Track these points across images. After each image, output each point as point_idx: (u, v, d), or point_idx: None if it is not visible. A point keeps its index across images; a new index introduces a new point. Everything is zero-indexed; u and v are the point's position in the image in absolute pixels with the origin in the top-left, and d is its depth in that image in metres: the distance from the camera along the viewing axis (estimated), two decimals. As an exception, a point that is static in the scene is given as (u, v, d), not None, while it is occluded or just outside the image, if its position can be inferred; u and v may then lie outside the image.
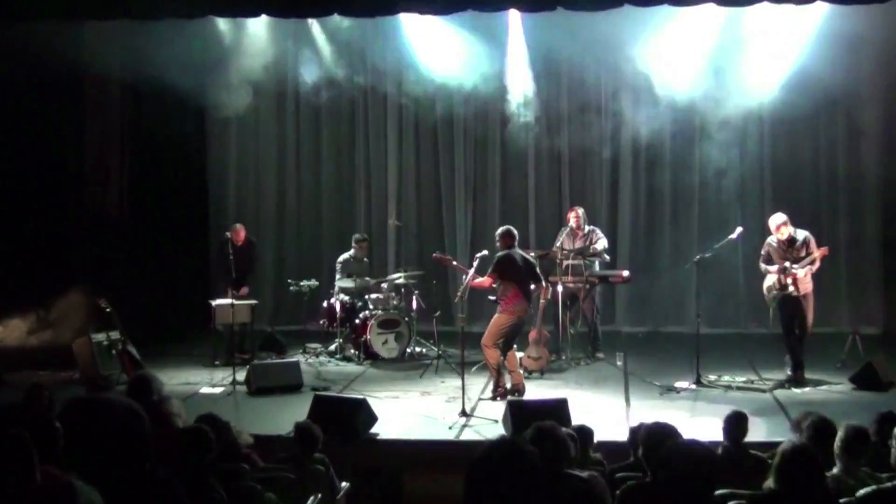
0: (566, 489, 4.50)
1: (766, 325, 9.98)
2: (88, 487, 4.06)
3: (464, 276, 9.44)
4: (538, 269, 9.49)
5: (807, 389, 9.26)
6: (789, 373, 9.50)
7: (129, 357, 9.74)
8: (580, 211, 11.06)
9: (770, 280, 9.54)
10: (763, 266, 9.65)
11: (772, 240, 9.62)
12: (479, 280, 9.20)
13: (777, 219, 9.57)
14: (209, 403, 8.41)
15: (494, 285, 9.18)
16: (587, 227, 11.03)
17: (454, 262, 9.97)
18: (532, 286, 9.28)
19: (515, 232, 9.26)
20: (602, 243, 10.94)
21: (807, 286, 9.46)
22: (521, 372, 9.39)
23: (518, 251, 9.20)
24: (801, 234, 9.55)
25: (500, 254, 9.12)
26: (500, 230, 9.36)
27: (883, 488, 4.48)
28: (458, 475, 2.88)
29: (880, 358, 9.50)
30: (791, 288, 9.37)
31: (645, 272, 12.61)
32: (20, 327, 11.08)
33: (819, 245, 9.55)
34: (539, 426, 4.67)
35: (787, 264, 9.37)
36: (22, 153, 11.16)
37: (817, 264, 9.46)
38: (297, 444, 6.29)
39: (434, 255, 10.17)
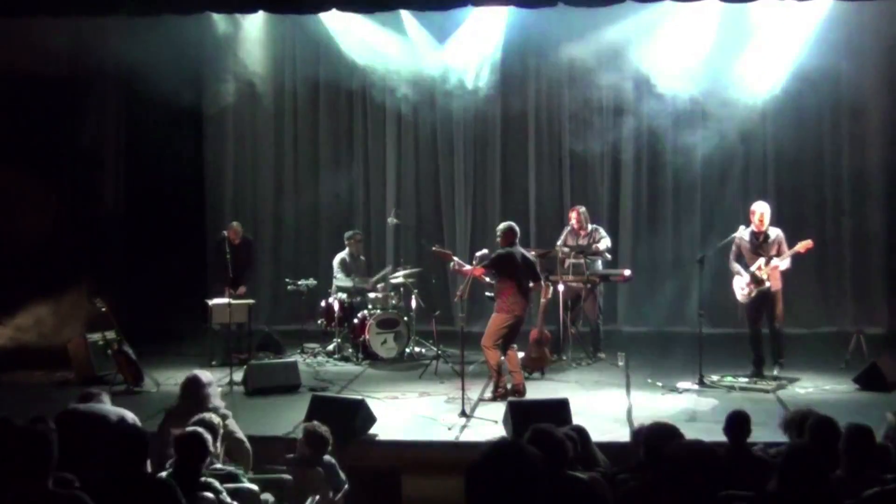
0: (567, 491, 4.47)
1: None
2: None
3: (465, 268, 9.34)
4: (538, 269, 9.39)
5: (810, 389, 9.20)
6: (753, 369, 9.60)
7: (125, 357, 9.64)
8: (581, 210, 10.96)
9: (742, 280, 9.49)
10: (735, 266, 9.60)
11: (743, 234, 9.57)
12: (469, 267, 9.13)
13: (763, 206, 9.52)
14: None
15: (487, 278, 9.07)
16: (590, 226, 10.93)
17: (454, 258, 9.77)
18: (531, 284, 9.18)
19: (517, 229, 9.16)
20: (605, 242, 10.84)
21: (777, 283, 9.42)
22: (522, 372, 9.29)
23: (519, 249, 9.10)
24: (774, 232, 9.50)
25: (500, 250, 9.03)
26: (501, 226, 9.24)
27: (888, 489, 4.42)
28: (458, 477, 2.87)
29: (885, 358, 9.40)
30: (768, 283, 9.31)
31: (647, 271, 12.52)
32: (14, 327, 10.99)
33: (791, 245, 9.46)
34: (536, 428, 4.63)
35: (762, 261, 9.28)
36: (17, 151, 11.08)
37: (788, 261, 9.36)
38: (308, 446, 6.24)
39: (433, 247, 10.00)
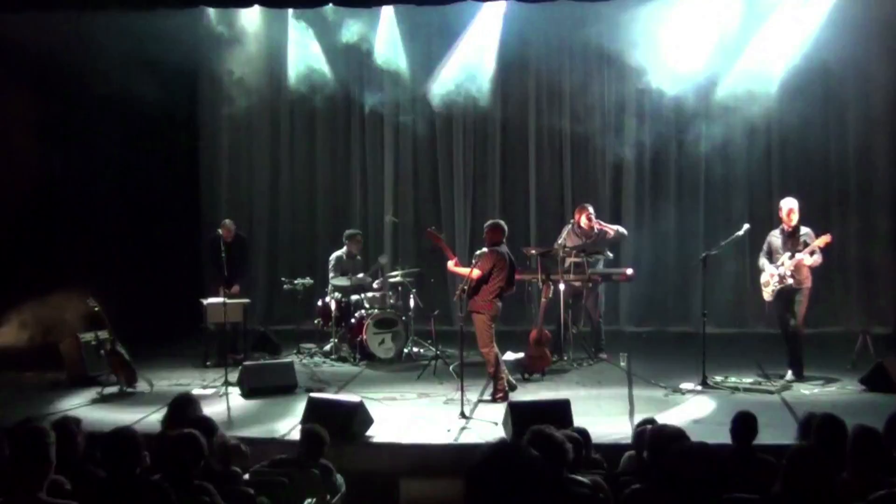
0: (569, 494, 4.40)
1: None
2: None
3: (449, 261, 9.20)
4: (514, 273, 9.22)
5: (816, 391, 9.10)
6: (790, 374, 9.41)
7: (118, 357, 9.55)
8: (591, 209, 10.76)
9: (766, 276, 9.42)
10: (762, 261, 9.52)
11: (774, 232, 9.53)
12: (463, 271, 8.98)
13: (792, 202, 9.42)
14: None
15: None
16: (596, 227, 10.76)
17: (442, 242, 9.37)
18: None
19: (506, 228, 9.02)
20: (620, 229, 10.77)
21: (807, 280, 9.31)
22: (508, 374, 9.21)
23: (506, 249, 8.97)
24: (804, 229, 9.41)
25: (498, 248, 8.86)
26: (491, 223, 9.07)
27: (895, 492, 4.30)
28: (457, 479, 2.81)
29: (892, 359, 9.27)
30: (790, 280, 9.20)
31: (649, 270, 12.41)
32: (9, 328, 10.90)
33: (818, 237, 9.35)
34: (536, 430, 4.55)
35: (786, 256, 9.19)
36: (10, 150, 10.98)
37: (818, 256, 9.24)
38: (304, 447, 6.13)
39: (429, 228, 9.75)
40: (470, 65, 12.48)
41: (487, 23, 11.99)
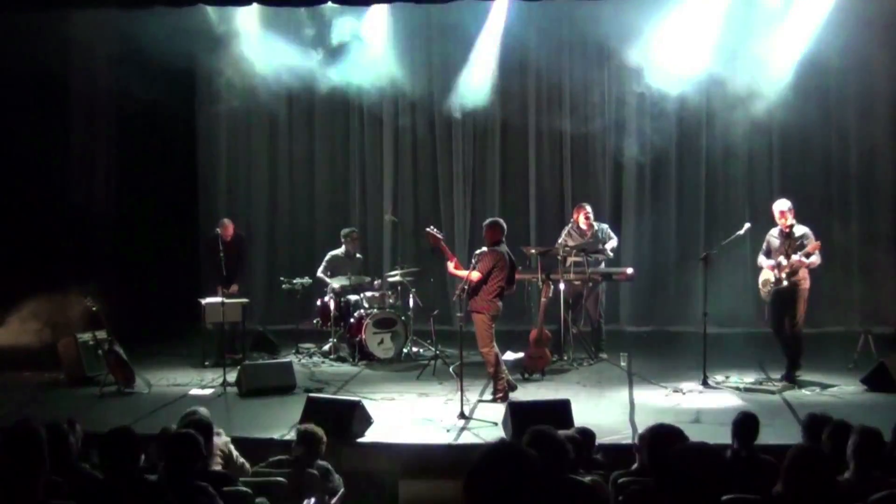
0: (569, 494, 4.36)
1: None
2: None
3: (448, 263, 9.14)
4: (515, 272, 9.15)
5: (817, 390, 9.06)
6: (781, 376, 9.34)
7: (116, 357, 9.50)
8: (588, 209, 10.74)
9: (765, 275, 9.37)
10: (761, 259, 9.48)
11: (773, 232, 9.47)
12: (464, 273, 8.89)
13: (783, 204, 9.34)
14: (199, 405, 8.16)
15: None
16: (595, 226, 10.73)
17: (442, 243, 9.23)
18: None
19: (505, 226, 8.96)
20: (612, 244, 10.72)
21: (804, 282, 9.23)
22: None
23: (506, 248, 8.92)
24: (801, 229, 9.33)
25: (498, 248, 8.79)
26: (490, 222, 8.97)
27: (896, 493, 4.28)
28: (456, 480, 2.77)
29: (893, 358, 9.22)
30: (785, 282, 9.16)
31: (650, 269, 12.37)
32: (10, 327, 10.89)
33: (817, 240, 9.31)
34: (535, 430, 4.53)
35: (782, 258, 9.16)
36: (6, 149, 10.95)
37: (816, 258, 9.19)
38: (302, 447, 6.10)
39: (428, 228, 9.61)
40: (470, 64, 12.45)
41: (487, 22, 11.95)
